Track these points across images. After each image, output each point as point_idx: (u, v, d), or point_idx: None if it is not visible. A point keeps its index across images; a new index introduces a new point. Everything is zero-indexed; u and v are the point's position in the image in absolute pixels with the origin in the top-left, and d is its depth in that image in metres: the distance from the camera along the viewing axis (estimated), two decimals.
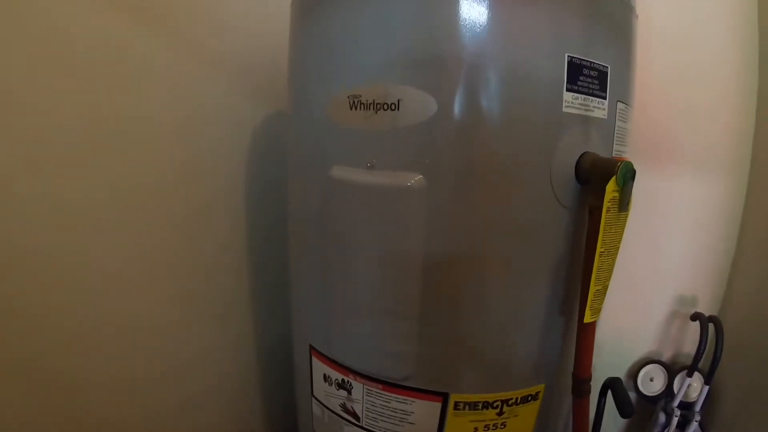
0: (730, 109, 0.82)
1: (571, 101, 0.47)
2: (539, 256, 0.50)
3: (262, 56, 0.75)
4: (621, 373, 0.89)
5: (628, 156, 0.71)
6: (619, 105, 0.52)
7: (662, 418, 0.83)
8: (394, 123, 0.46)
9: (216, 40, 0.70)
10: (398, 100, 0.45)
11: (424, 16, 0.45)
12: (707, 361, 0.80)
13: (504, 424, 0.55)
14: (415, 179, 0.45)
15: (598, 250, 0.46)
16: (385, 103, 0.46)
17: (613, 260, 0.48)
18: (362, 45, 0.48)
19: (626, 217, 0.47)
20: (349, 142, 0.49)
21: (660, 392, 0.86)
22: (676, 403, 0.81)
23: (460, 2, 0.43)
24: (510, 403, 0.54)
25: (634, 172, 0.45)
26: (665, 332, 0.87)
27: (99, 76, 0.57)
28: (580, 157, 0.47)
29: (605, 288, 0.49)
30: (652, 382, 0.86)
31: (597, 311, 0.49)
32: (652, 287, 0.86)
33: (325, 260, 0.54)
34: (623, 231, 0.48)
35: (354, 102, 0.48)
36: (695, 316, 0.82)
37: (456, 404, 0.52)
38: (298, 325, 0.64)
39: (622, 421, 0.95)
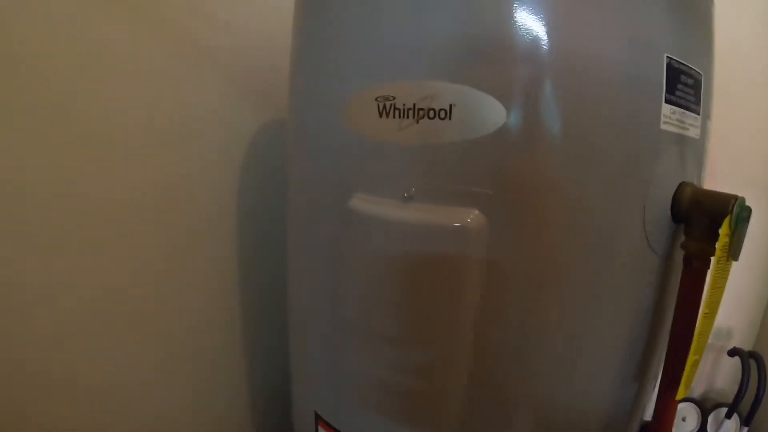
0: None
1: (669, 116, 0.36)
2: (617, 312, 0.38)
3: (263, 59, 0.60)
4: (649, 410, 0.81)
5: None
6: (708, 123, 0.42)
7: None
8: (443, 137, 0.32)
9: (212, 39, 0.55)
10: (450, 105, 0.32)
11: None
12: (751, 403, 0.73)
13: None
14: (472, 216, 0.32)
15: (703, 311, 0.35)
16: (431, 109, 0.32)
17: (712, 321, 0.38)
18: (397, 24, 0.34)
19: (730, 267, 0.37)
20: (376, 163, 0.35)
21: None
22: None
23: None
24: None
25: (750, 212, 0.35)
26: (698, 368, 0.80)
27: (81, 77, 0.44)
28: (677, 188, 0.37)
29: (700, 357, 0.38)
30: (684, 422, 0.79)
31: (689, 384, 0.39)
32: None
33: (339, 315, 0.40)
34: (725, 284, 0.37)
35: (385, 106, 0.34)
36: (734, 352, 0.75)
37: None
38: (300, 386, 0.49)
39: None
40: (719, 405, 0.76)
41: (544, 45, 0.31)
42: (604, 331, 0.38)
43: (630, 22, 0.34)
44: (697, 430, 0.78)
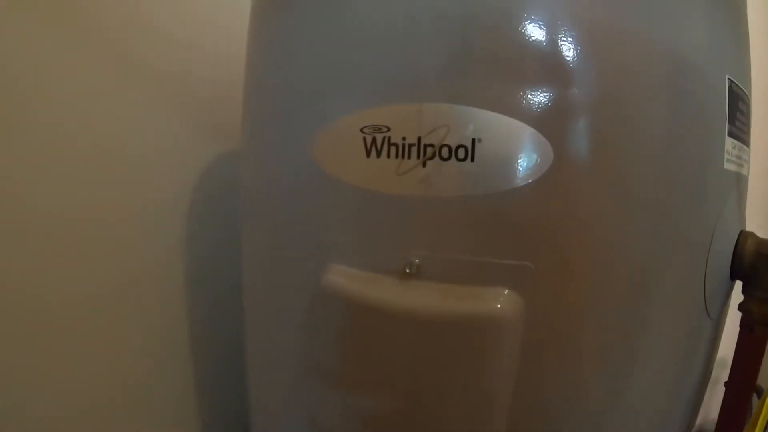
0: None
1: (731, 151, 0.28)
2: (660, 377, 0.31)
3: (226, 88, 0.44)
4: None
5: None
6: (751, 159, 0.35)
7: None
8: (462, 186, 0.22)
9: (165, 63, 0.43)
10: (473, 141, 0.22)
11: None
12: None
13: None
14: (504, 299, 0.23)
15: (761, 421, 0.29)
16: (444, 146, 0.22)
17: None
18: (389, 20, 0.23)
19: None
20: (362, 222, 0.24)
21: None
22: None
23: None
24: None
25: None
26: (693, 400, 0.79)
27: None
28: (738, 239, 0.29)
29: None
30: None
31: None
32: None
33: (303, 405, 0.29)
34: None
35: (375, 141, 0.23)
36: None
37: None
38: None
39: None
40: None
41: (602, 63, 0.22)
42: (646, 395, 0.31)
43: (692, 35, 0.26)
44: None
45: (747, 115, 0.30)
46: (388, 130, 0.22)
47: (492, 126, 0.22)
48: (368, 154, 0.23)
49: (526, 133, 0.21)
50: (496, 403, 0.24)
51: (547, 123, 0.22)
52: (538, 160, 0.21)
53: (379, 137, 0.22)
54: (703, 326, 0.30)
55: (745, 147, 0.30)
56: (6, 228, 0.34)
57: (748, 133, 0.31)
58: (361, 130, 0.23)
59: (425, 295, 0.23)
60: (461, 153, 0.22)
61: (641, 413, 0.29)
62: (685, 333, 0.29)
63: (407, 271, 0.23)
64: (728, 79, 0.27)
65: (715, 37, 0.28)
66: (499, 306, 0.22)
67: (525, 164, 0.21)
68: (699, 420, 0.81)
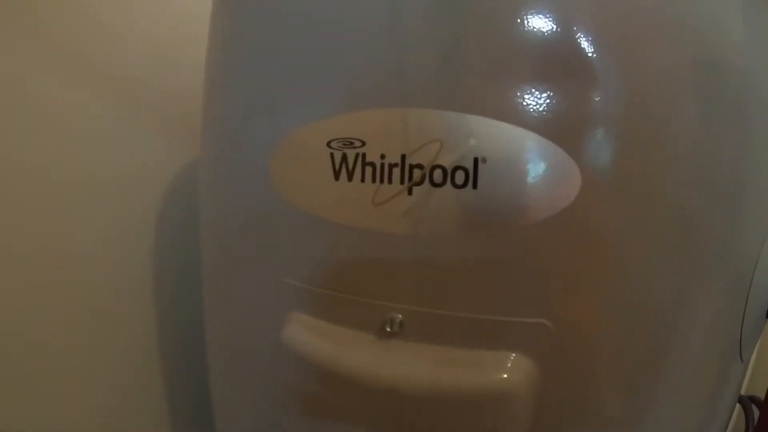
0: None
1: None
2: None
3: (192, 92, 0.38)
4: None
5: None
6: None
7: None
8: (460, 220, 0.17)
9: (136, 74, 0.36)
10: (476, 160, 0.16)
11: None
12: None
13: None
14: (512, 365, 0.17)
15: None
16: (437, 167, 0.16)
17: None
18: (364, 7, 0.17)
19: None
20: (331, 263, 0.18)
21: None
22: None
23: None
24: None
25: None
26: None
27: None
28: None
29: None
30: None
31: None
32: None
33: None
34: None
35: (345, 158, 0.17)
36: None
37: None
38: None
39: None
40: None
41: (635, 62, 0.16)
42: None
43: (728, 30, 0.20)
44: None
45: None
46: (363, 144, 0.17)
47: (500, 141, 0.16)
48: (337, 176, 0.17)
49: (545, 151, 0.16)
50: None
51: (571, 137, 0.16)
52: (562, 187, 0.16)
53: (350, 153, 0.17)
54: (733, 370, 0.25)
55: None
56: None
57: None
58: (328, 145, 0.17)
59: (410, 360, 0.17)
60: (460, 177, 0.16)
61: None
62: (713, 380, 0.25)
63: (387, 329, 0.17)
64: None
65: (756, 33, 0.23)
66: (506, 376, 0.17)
67: (545, 192, 0.16)
68: None
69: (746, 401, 0.67)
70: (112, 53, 0.36)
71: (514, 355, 0.17)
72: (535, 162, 0.16)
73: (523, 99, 0.16)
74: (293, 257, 0.19)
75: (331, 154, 0.17)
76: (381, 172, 0.17)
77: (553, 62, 0.17)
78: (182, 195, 0.42)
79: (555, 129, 0.16)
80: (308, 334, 0.19)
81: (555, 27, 0.17)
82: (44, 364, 0.34)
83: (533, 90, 0.16)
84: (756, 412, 0.65)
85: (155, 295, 0.42)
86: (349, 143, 0.17)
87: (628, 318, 0.19)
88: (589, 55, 0.17)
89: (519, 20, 0.17)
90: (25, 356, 0.33)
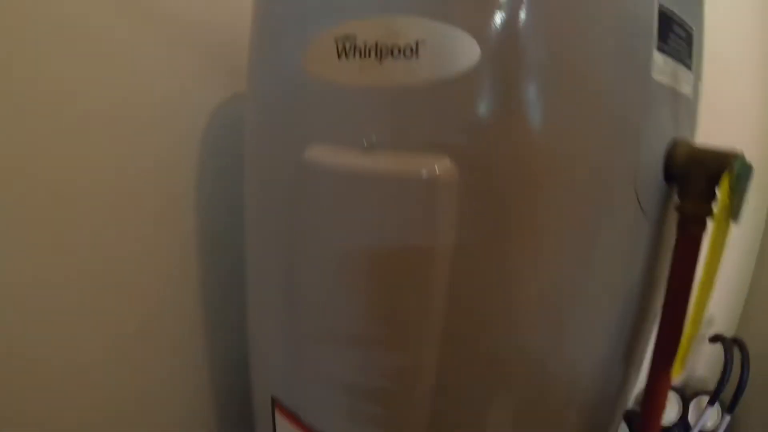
0: (753, 113, 0.74)
1: (662, 66, 0.32)
2: (602, 282, 0.34)
3: (232, 32, 0.52)
4: (630, 398, 0.78)
5: None
6: (698, 83, 0.38)
7: None
8: (409, 77, 0.28)
9: (178, 9, 0.49)
10: (417, 42, 0.28)
11: None
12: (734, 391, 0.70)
13: None
14: (441, 165, 0.28)
15: (701, 279, 0.32)
16: (395, 47, 0.28)
17: (711, 291, 0.34)
18: None
19: (728, 231, 0.33)
20: (335, 108, 0.31)
21: (674, 423, 0.75)
22: None
23: None
24: None
25: (751, 170, 0.31)
26: None
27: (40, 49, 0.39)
28: (671, 145, 0.33)
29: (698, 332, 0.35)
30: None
31: (684, 363, 0.35)
32: None
33: (292, 283, 0.35)
34: (724, 249, 0.34)
35: (344, 46, 0.30)
36: (716, 338, 0.72)
37: None
38: (259, 371, 0.44)
39: None
40: (700, 393, 0.73)
41: None
42: (590, 301, 0.34)
43: None
44: (678, 418, 0.74)
45: (687, 41, 0.34)
46: (355, 37, 0.29)
47: (432, 31, 0.28)
48: (339, 57, 0.30)
49: (457, 35, 0.27)
50: (437, 255, 0.29)
51: (476, 25, 0.27)
52: (468, 56, 0.27)
53: (347, 44, 0.29)
54: (639, 224, 0.33)
55: (682, 67, 0.33)
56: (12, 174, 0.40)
57: (689, 57, 0.34)
58: (335, 40, 0.30)
59: (380, 162, 0.29)
60: (408, 52, 0.28)
61: (581, 300, 0.33)
62: (625, 232, 0.33)
63: (366, 144, 0.29)
64: (658, 2, 0.31)
65: None
66: (438, 169, 0.28)
67: (456, 59, 0.27)
68: (683, 376, 0.79)
69: (728, 342, 0.69)
70: None
71: (448, 159, 0.28)
72: (451, 41, 0.28)
73: (446, 4, 0.28)
74: (313, 110, 0.32)
75: (336, 45, 0.30)
76: (364, 52, 0.29)
77: None
78: (221, 125, 0.54)
79: (466, 21, 0.27)
80: (322, 152, 0.31)
81: None
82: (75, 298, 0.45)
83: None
84: (737, 354, 0.66)
85: (195, 227, 0.54)
86: (346, 37, 0.29)
87: (526, 144, 0.28)
88: None
89: None
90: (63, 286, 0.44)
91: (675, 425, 0.75)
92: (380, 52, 0.29)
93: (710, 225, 0.31)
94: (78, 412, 0.48)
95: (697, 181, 0.31)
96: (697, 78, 0.38)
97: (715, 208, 0.30)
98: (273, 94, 0.35)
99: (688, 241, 0.32)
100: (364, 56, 0.29)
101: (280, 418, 0.41)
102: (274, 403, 0.40)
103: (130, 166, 0.48)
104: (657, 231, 0.34)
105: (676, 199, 0.33)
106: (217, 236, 0.58)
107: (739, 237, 0.73)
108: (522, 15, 0.27)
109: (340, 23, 0.30)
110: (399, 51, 0.28)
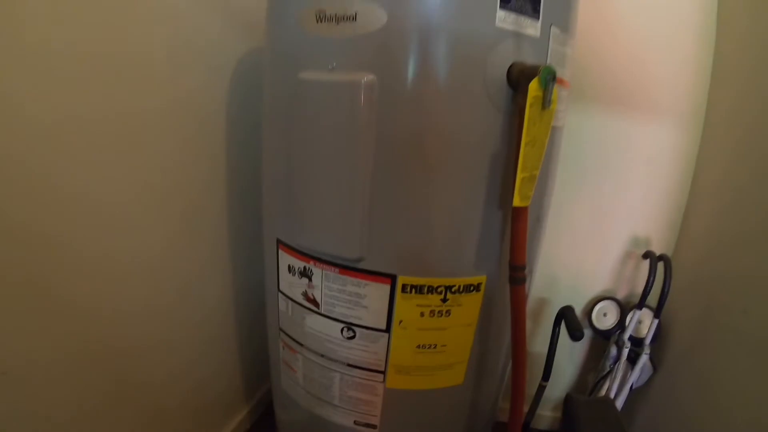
0: (689, 67, 0.89)
1: (504, 17, 0.55)
2: (477, 153, 0.57)
3: None
4: (577, 309, 0.95)
5: (592, 97, 0.78)
6: (554, 29, 0.60)
7: (614, 351, 0.89)
8: (351, 32, 0.54)
9: None
10: (355, 13, 0.54)
11: None
12: (659, 298, 0.86)
13: (449, 312, 0.62)
14: (368, 78, 0.53)
15: (524, 140, 0.53)
16: (345, 15, 0.54)
17: (540, 152, 0.55)
18: None
19: (550, 114, 0.55)
20: (315, 50, 0.57)
21: (613, 326, 0.91)
22: (626, 335, 0.87)
23: None
24: (453, 290, 0.61)
25: (554, 74, 0.52)
26: (620, 271, 0.93)
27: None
28: (510, 66, 0.55)
29: (533, 177, 0.56)
30: (605, 317, 0.92)
31: (526, 197, 0.56)
32: (608, 229, 0.93)
33: (292, 156, 0.62)
34: (549, 127, 0.55)
35: (320, 15, 0.56)
36: (646, 254, 0.88)
37: (403, 287, 0.59)
38: (269, 224, 0.71)
39: (579, 357, 1.01)
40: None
41: None
42: (469, 169, 0.57)
43: None
44: (616, 324, 0.91)
45: (530, 1, 0.56)
46: (325, 11, 0.55)
47: (362, 6, 0.53)
48: (317, 21, 0.56)
49: (374, 9, 0.52)
50: (365, 147, 0.54)
51: (386, 3, 0.52)
52: (380, 20, 0.52)
53: (321, 14, 0.56)
54: (493, 113, 0.55)
55: (524, 17, 0.55)
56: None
57: (534, 10, 0.56)
58: (315, 11, 0.56)
59: (337, 76, 0.55)
60: (351, 18, 0.54)
61: (461, 166, 0.56)
62: (480, 117, 0.56)
63: (330, 68, 0.55)
64: None
65: None
66: (366, 79, 0.53)
67: (374, 22, 0.52)
68: (626, 291, 0.97)
69: (654, 258, 0.88)
70: None
71: (372, 75, 0.53)
72: (371, 12, 0.53)
73: None
74: (303, 51, 0.58)
75: (316, 14, 0.56)
76: (330, 18, 0.55)
77: None
78: (246, 68, 0.82)
79: (382, 2, 0.53)
80: (308, 73, 0.57)
81: None
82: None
83: None
84: (657, 266, 0.84)
85: (225, 138, 0.82)
86: (321, 11, 0.56)
87: (414, 66, 0.53)
88: None
89: None
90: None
91: (614, 328, 0.91)
92: (337, 18, 0.55)
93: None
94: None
95: (523, 85, 0.53)
96: (555, 25, 0.59)
97: (528, 97, 0.52)
98: (280, 42, 0.62)
99: (521, 122, 0.54)
100: (330, 21, 0.55)
101: (282, 254, 0.67)
102: (279, 243, 0.67)
103: (178, 96, 0.72)
104: (508, 118, 0.56)
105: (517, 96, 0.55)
106: (240, 146, 0.87)
107: (675, 169, 0.90)
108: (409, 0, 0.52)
109: (316, 3, 0.56)
110: (346, 18, 0.54)
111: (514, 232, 0.58)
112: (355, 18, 0.54)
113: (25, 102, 0.50)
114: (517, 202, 0.55)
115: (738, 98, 0.82)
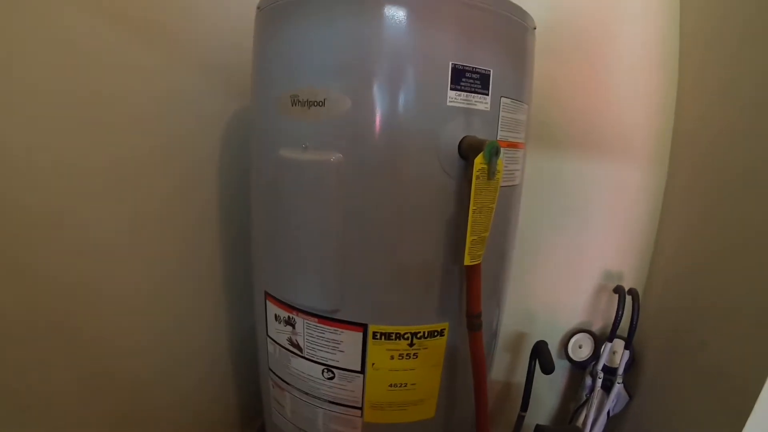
0: (652, 102, 0.96)
1: (455, 97, 0.64)
2: (435, 216, 0.66)
3: (236, 55, 0.89)
4: (554, 342, 1.02)
5: (558, 144, 0.86)
6: (504, 100, 0.68)
7: (589, 381, 0.96)
8: (321, 116, 0.64)
9: (190, 35, 0.84)
10: (324, 99, 0.63)
11: (344, 37, 0.63)
12: (628, 329, 0.93)
13: (416, 355, 0.70)
14: (335, 156, 0.63)
15: (471, 208, 0.62)
16: (315, 101, 0.64)
17: (488, 217, 0.64)
18: (299, 57, 0.66)
19: (496, 183, 0.63)
20: (291, 131, 0.67)
21: (587, 358, 0.98)
22: (600, 366, 0.94)
23: (374, 29, 0.61)
24: (419, 336, 0.69)
25: (498, 149, 0.61)
26: (594, 305, 1.00)
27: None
28: (462, 139, 0.64)
29: (482, 239, 0.64)
30: (581, 349, 0.99)
31: (476, 257, 0.65)
32: (583, 264, 1.00)
33: (275, 221, 0.72)
34: (495, 195, 0.63)
35: (294, 100, 0.66)
36: (616, 289, 0.95)
37: (374, 334, 0.68)
38: (258, 277, 0.82)
39: (559, 386, 1.07)
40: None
41: (368, 68, 0.62)
42: (427, 229, 0.66)
43: (425, 44, 0.63)
44: (590, 355, 0.97)
45: (480, 80, 0.64)
46: (298, 96, 0.65)
47: (330, 94, 0.63)
48: (292, 105, 0.66)
49: (340, 96, 0.62)
50: (335, 214, 0.63)
51: (350, 92, 0.62)
52: (346, 106, 0.62)
53: (295, 99, 0.66)
54: (445, 180, 0.64)
55: (475, 95, 0.64)
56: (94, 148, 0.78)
57: (484, 87, 0.65)
58: (290, 96, 0.66)
59: (310, 155, 0.65)
60: (320, 104, 0.63)
61: (417, 225, 0.65)
62: (435, 186, 0.64)
63: (303, 147, 0.65)
64: (451, 63, 0.63)
65: (447, 45, 0.64)
66: (333, 158, 0.63)
67: (340, 108, 0.62)
68: (600, 323, 1.03)
69: (623, 292, 0.95)
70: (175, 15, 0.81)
71: (339, 154, 0.63)
72: (339, 100, 0.62)
73: (339, 82, 0.63)
74: (281, 132, 0.68)
75: (291, 99, 0.66)
76: (303, 103, 0.65)
77: (344, 73, 0.63)
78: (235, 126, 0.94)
79: (346, 90, 0.62)
80: (286, 151, 0.67)
81: (349, 61, 0.63)
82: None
83: (340, 80, 0.63)
84: (626, 300, 0.90)
85: (216, 191, 0.93)
86: (295, 96, 0.66)
87: (375, 147, 0.62)
88: (356, 72, 0.62)
89: (337, 62, 0.64)
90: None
91: (589, 359, 0.98)
92: (309, 103, 0.64)
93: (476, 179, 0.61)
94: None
95: (472, 157, 0.62)
96: (506, 96, 0.68)
97: (474, 170, 0.61)
98: (262, 120, 0.73)
99: (468, 188, 0.63)
100: (303, 105, 0.65)
101: (269, 304, 0.77)
102: (266, 294, 0.77)
103: (184, 158, 0.87)
104: (459, 183, 0.65)
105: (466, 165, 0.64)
106: (230, 199, 0.99)
107: (644, 206, 0.96)
108: (370, 87, 0.62)
109: (291, 89, 0.66)
110: (316, 103, 0.64)
111: (468, 286, 0.67)
112: (323, 103, 0.63)
113: (31, 152, 0.60)
114: (467, 261, 0.64)
115: (699, 133, 0.88)
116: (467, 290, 0.67)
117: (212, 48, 0.91)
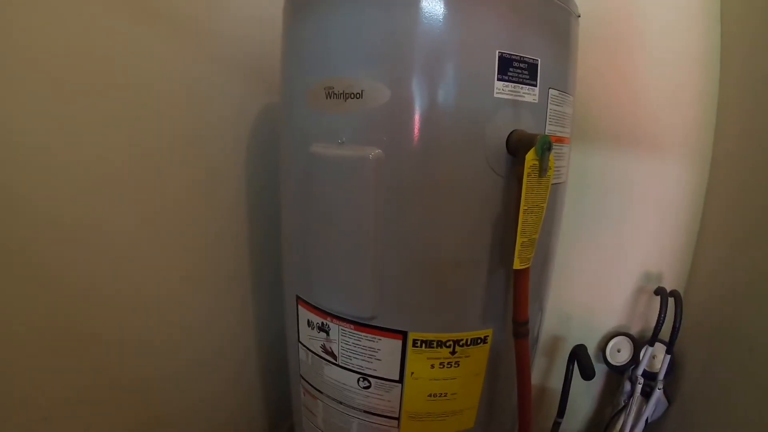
0: (693, 97, 0.93)
1: (502, 89, 0.60)
2: (480, 215, 0.63)
3: (261, 47, 0.88)
4: (591, 345, 0.99)
5: (597, 140, 0.83)
6: (552, 92, 0.65)
7: (628, 386, 0.93)
8: (358, 108, 0.61)
9: (215, 25, 0.83)
10: (362, 90, 0.60)
11: (383, 24, 0.60)
12: (670, 333, 0.90)
13: (458, 363, 0.68)
14: (375, 152, 0.60)
15: (522, 208, 0.59)
16: (352, 93, 0.61)
17: (538, 218, 0.61)
18: (335, 46, 0.63)
19: (547, 181, 0.60)
20: (325, 125, 0.64)
21: (626, 362, 0.95)
22: (640, 371, 0.91)
23: (414, 15, 0.58)
24: (461, 343, 0.66)
25: (550, 144, 0.58)
26: (633, 307, 0.97)
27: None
28: (510, 133, 0.61)
29: (532, 241, 0.61)
30: (619, 353, 0.96)
31: (526, 260, 0.62)
32: (621, 265, 0.97)
33: (307, 221, 0.69)
34: (546, 193, 0.61)
35: (328, 92, 0.63)
36: (658, 291, 0.92)
37: (414, 342, 0.65)
38: (288, 280, 0.79)
39: (595, 391, 1.05)
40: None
41: (411, 56, 0.58)
42: (472, 231, 0.63)
43: (470, 31, 0.59)
44: (629, 359, 0.94)
45: (528, 69, 0.61)
46: (333, 88, 0.62)
47: (368, 84, 0.60)
48: (326, 98, 0.63)
49: (380, 87, 0.59)
50: (374, 214, 0.60)
51: (390, 82, 0.59)
52: (384, 96, 0.59)
53: (330, 91, 0.62)
54: (494, 180, 0.61)
55: (523, 86, 0.61)
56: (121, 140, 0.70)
57: (532, 78, 0.61)
58: (324, 89, 0.63)
59: (346, 151, 0.62)
60: (358, 95, 0.60)
61: (465, 222, 0.62)
62: (481, 184, 0.61)
63: (339, 142, 0.62)
64: (498, 52, 0.59)
65: (494, 32, 0.60)
66: (373, 154, 0.59)
67: (379, 98, 0.59)
68: (639, 326, 1.01)
69: (665, 294, 0.92)
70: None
71: (379, 150, 0.59)
72: (377, 90, 0.59)
73: (378, 71, 0.60)
74: (314, 126, 0.65)
75: (325, 92, 0.63)
76: (338, 95, 0.62)
77: (384, 61, 0.60)
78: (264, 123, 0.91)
79: (385, 80, 0.59)
80: (319, 147, 0.64)
81: (389, 50, 0.60)
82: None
83: (378, 69, 0.59)
84: (669, 302, 0.88)
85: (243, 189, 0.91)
86: (330, 87, 0.62)
87: (420, 141, 0.59)
88: (399, 59, 0.59)
89: (376, 51, 0.60)
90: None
91: (628, 363, 0.95)
92: (345, 95, 0.61)
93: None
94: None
95: (521, 153, 0.59)
96: (554, 88, 0.64)
97: (526, 167, 0.57)
98: (293, 115, 0.70)
99: (519, 187, 0.59)
100: (338, 97, 0.62)
101: (301, 309, 0.74)
102: (298, 299, 0.74)
103: (207, 153, 0.84)
104: (508, 183, 0.62)
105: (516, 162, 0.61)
106: (257, 197, 0.96)
107: (686, 205, 0.93)
108: (412, 77, 0.58)
109: (325, 79, 0.63)
110: (353, 95, 0.60)
111: (515, 291, 0.64)
112: (361, 95, 0.60)
113: (50, 149, 0.58)
114: (517, 265, 0.61)
115: (744, 134, 0.85)
116: (514, 296, 0.65)
117: (237, 39, 0.88)
